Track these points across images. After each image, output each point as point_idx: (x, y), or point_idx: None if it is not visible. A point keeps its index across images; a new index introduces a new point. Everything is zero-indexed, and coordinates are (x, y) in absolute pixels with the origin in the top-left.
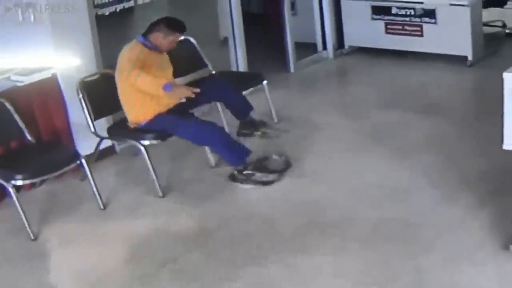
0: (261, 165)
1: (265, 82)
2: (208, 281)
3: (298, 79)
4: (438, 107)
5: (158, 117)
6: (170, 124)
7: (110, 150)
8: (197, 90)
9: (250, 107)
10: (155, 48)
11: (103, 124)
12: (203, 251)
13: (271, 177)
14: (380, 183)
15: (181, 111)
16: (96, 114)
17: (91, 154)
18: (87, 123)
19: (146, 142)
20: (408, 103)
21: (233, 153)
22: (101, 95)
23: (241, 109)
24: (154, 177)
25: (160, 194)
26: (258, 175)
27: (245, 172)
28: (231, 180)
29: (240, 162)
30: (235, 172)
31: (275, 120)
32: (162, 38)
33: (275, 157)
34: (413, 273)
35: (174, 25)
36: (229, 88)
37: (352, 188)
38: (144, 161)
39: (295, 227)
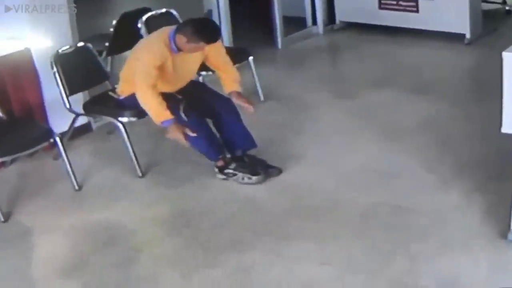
0: (246, 164)
1: (251, 58)
2: (188, 267)
3: (286, 55)
4: (434, 87)
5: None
6: None
7: (85, 128)
8: (194, 134)
9: (251, 143)
10: (178, 51)
11: (78, 100)
12: (183, 235)
13: (254, 179)
14: (371, 166)
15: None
16: (71, 89)
17: (65, 131)
18: (62, 98)
19: (124, 119)
20: (402, 82)
21: (209, 147)
22: (77, 69)
23: (239, 141)
24: (132, 156)
25: (139, 173)
26: (240, 176)
27: (226, 171)
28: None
29: (217, 156)
30: (215, 169)
31: (261, 99)
32: (184, 43)
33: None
34: (405, 262)
35: (201, 32)
36: (231, 113)
37: (341, 171)
38: (122, 139)
39: (279, 211)
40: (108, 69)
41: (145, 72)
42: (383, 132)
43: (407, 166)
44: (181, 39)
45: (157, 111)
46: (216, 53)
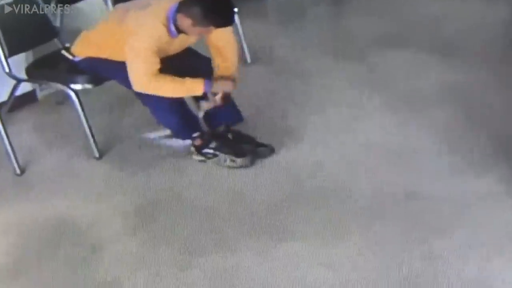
0: (230, 142)
1: (235, 10)
2: (158, 268)
3: (278, 7)
4: (460, 47)
5: (100, 59)
6: (109, 66)
7: (29, 97)
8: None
9: (237, 116)
10: (178, 33)
11: (20, 62)
12: (151, 231)
13: (239, 161)
14: (383, 145)
15: None
16: (11, 48)
17: (4, 102)
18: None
19: (77, 86)
20: (421, 40)
21: (181, 123)
22: (18, 24)
23: (223, 114)
24: (88, 131)
25: (96, 154)
26: (222, 157)
27: (204, 151)
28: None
29: (190, 135)
30: (191, 149)
31: (248, 61)
32: (189, 25)
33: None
34: (422, 262)
35: (211, 15)
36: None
37: (346, 151)
38: (74, 111)
39: (270, 201)
40: (57, 23)
41: (144, 61)
42: (397, 103)
43: (426, 144)
44: (185, 21)
45: (183, 86)
46: (222, 31)
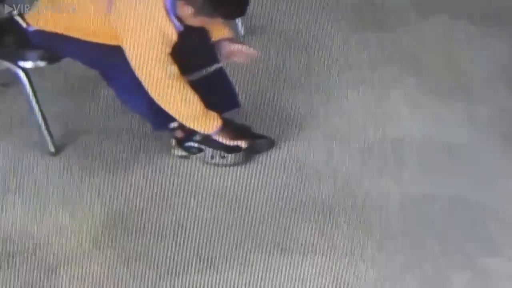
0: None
1: None
2: None
3: None
4: None
5: (64, 35)
6: (74, 43)
7: None
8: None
9: (234, 101)
10: (182, 24)
11: None
12: (117, 247)
13: (230, 158)
14: (417, 136)
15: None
16: None
17: None
18: None
19: (28, 64)
20: (461, 7)
21: (156, 110)
22: None
23: (219, 100)
24: (41, 121)
25: (51, 149)
26: (209, 153)
27: (187, 145)
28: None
29: (166, 124)
30: (172, 142)
31: (241, 33)
32: (189, 15)
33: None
34: (469, 283)
35: (218, 2)
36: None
37: (367, 145)
38: (24, 96)
39: (269, 207)
40: None
41: (158, 59)
42: (432, 84)
43: (472, 135)
44: (185, 10)
45: (201, 113)
46: None
